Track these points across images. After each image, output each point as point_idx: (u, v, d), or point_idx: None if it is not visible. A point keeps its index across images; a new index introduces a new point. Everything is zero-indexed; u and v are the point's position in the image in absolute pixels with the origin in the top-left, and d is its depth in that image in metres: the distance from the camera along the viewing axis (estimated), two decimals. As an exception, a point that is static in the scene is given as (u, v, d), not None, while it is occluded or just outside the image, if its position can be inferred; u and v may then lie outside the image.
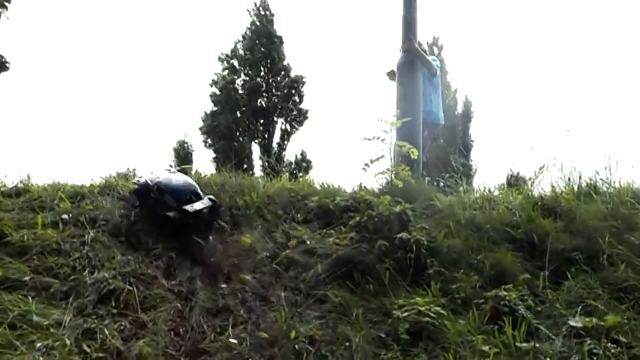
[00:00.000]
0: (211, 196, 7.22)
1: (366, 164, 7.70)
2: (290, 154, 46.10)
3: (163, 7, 74.48)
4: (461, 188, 8.31)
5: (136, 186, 7.36)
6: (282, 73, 47.96)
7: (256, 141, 46.67)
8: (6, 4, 2.65)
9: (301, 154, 45.24)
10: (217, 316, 5.98)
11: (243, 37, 48.75)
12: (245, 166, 41.54)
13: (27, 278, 5.90)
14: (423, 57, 9.50)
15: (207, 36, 78.71)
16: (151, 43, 73.48)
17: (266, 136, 46.67)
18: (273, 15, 49.10)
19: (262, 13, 49.16)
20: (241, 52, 48.72)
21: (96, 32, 74.98)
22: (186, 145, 44.78)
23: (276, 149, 46.20)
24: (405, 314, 5.81)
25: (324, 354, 5.51)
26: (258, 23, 49.07)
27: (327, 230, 7.13)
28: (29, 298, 5.64)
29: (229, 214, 7.40)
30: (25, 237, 6.39)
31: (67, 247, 6.42)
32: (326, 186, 8.29)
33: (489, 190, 8.26)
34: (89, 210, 7.06)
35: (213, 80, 47.50)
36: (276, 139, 46.66)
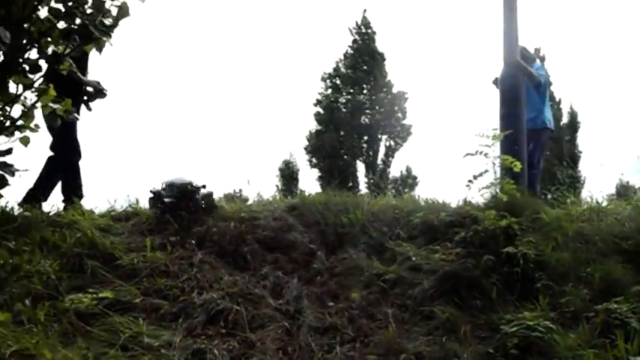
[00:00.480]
0: (203, 186, 7.84)
1: (469, 180, 7.61)
2: (395, 171, 45.87)
3: (266, 29, 75.14)
4: (568, 200, 8.16)
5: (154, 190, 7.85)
6: (385, 89, 47.78)
7: (361, 158, 46.56)
8: (110, 33, 2.73)
9: (406, 170, 45.01)
10: (325, 334, 6.01)
11: (345, 55, 48.85)
12: (350, 184, 41.58)
13: (137, 300, 6.09)
14: (525, 70, 9.37)
15: (310, 56, 78.94)
16: (255, 65, 74.03)
17: (370, 153, 46.53)
18: (374, 32, 49.08)
19: (364, 31, 49.19)
20: (344, 70, 48.80)
21: (202, 54, 76.01)
22: (291, 164, 45.00)
23: (380, 166, 46.04)
24: (514, 329, 5.73)
25: (432, 371, 5.47)
26: (360, 41, 49.10)
27: (432, 246, 7.10)
28: (140, 319, 5.81)
29: (334, 233, 7.42)
30: (135, 260, 6.58)
31: (176, 269, 6.60)
32: (430, 202, 8.26)
33: (597, 202, 8.08)
34: (196, 232, 7.19)
35: (317, 100, 47.69)
36: (381, 155, 46.49)
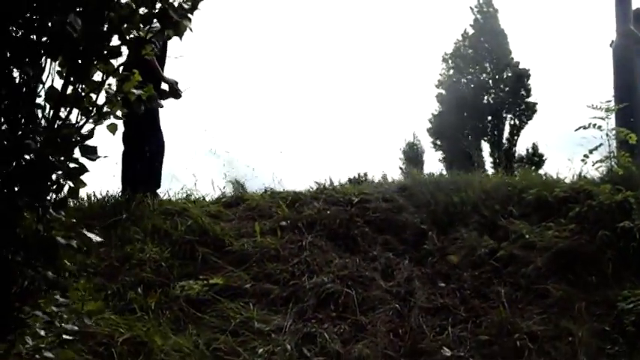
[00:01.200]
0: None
1: (585, 155, 7.40)
2: (521, 149, 45.06)
3: (386, 9, 74.79)
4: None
5: None
6: (508, 68, 47.04)
7: (485, 138, 46.00)
8: (189, 16, 2.71)
9: (532, 148, 44.11)
10: (436, 315, 5.97)
11: (463, 35, 48.29)
12: (476, 164, 41.13)
13: (248, 286, 6.18)
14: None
15: (429, 36, 78.37)
16: (376, 47, 73.99)
17: (495, 132, 45.90)
18: (497, 10, 48.34)
19: (485, 9, 48.51)
20: (464, 50, 48.26)
21: (323, 35, 76.23)
22: (415, 146, 44.75)
23: (506, 145, 45.37)
24: (631, 306, 5.57)
25: (546, 350, 5.37)
26: (481, 20, 48.44)
27: (545, 223, 6.91)
28: (250, 305, 5.91)
29: (445, 212, 7.34)
30: (245, 245, 6.67)
31: (286, 253, 6.67)
32: (544, 178, 8.07)
33: None
34: (306, 215, 7.22)
35: (438, 81, 47.31)
36: (506, 134, 45.79)
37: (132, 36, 3.12)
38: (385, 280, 6.43)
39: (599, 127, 7.51)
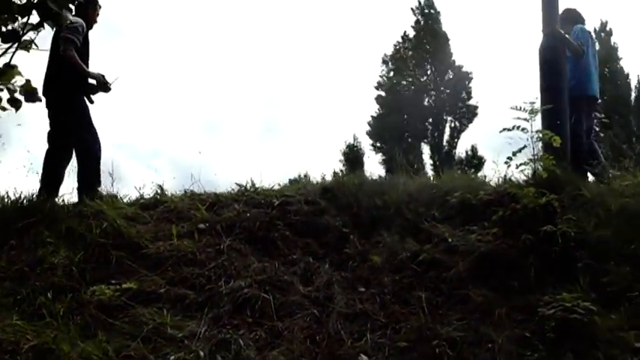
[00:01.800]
0: None
1: (508, 157, 7.34)
2: (461, 152, 45.44)
3: (325, 11, 75.07)
4: (611, 175, 7.83)
5: None
6: (449, 70, 47.41)
7: (425, 140, 46.33)
8: (69, 7, 2.56)
9: (472, 151, 44.50)
10: (355, 321, 5.81)
11: (403, 37, 48.55)
12: (415, 166, 41.29)
13: (162, 290, 6.01)
14: (566, 41, 8.98)
15: (367, 37, 78.79)
16: (313, 47, 74.17)
17: (435, 135, 46.26)
18: (438, 12, 48.70)
19: (427, 11, 48.82)
20: (404, 52, 48.51)
21: (258, 34, 76.20)
22: (355, 148, 44.80)
23: (446, 148, 45.72)
24: (552, 311, 5.44)
25: (465, 356, 5.24)
26: (422, 22, 48.76)
27: (469, 227, 6.83)
28: (164, 310, 5.73)
29: (368, 216, 7.22)
30: (161, 248, 6.52)
31: (203, 257, 6.53)
32: (470, 180, 8.01)
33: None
34: (226, 218, 7.08)
35: (378, 82, 47.51)
36: (446, 137, 46.15)
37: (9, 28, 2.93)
38: (304, 284, 6.29)
39: (523, 130, 7.42)
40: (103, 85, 8.30)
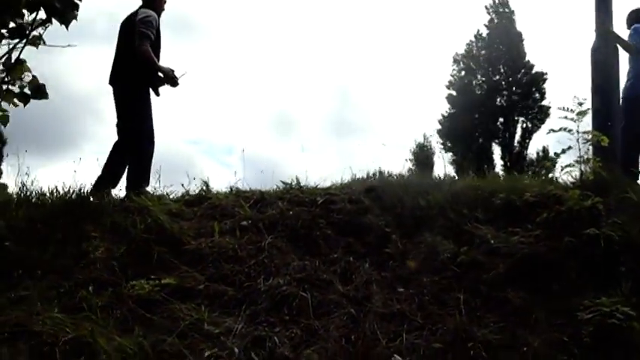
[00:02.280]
0: None
1: (550, 158, 7.24)
2: (532, 152, 44.76)
3: (399, 8, 74.87)
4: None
5: None
6: (523, 70, 46.75)
7: (496, 141, 45.76)
8: (76, 6, 2.59)
9: (543, 151, 43.80)
10: (392, 321, 5.77)
11: (476, 36, 48.02)
12: (486, 166, 40.87)
13: (201, 286, 6.04)
14: (619, 40, 8.78)
15: (440, 36, 78.26)
16: (386, 45, 74.01)
17: (507, 135, 45.66)
18: (512, 11, 48.05)
19: (501, 10, 48.23)
20: (477, 51, 48.02)
21: (333, 30, 76.38)
22: (425, 148, 44.40)
23: (517, 148, 45.11)
24: (590, 316, 5.34)
25: (500, 359, 5.15)
26: (496, 20, 48.19)
27: (512, 228, 6.74)
28: (202, 306, 5.76)
29: (411, 216, 7.19)
30: (203, 245, 6.56)
31: (244, 254, 6.54)
32: (515, 181, 7.90)
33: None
34: (269, 216, 7.09)
35: (449, 82, 47.09)
36: (517, 137, 45.52)
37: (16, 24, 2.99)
38: (343, 283, 6.27)
39: (569, 131, 7.30)
40: (171, 80, 8.42)
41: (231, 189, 8.20)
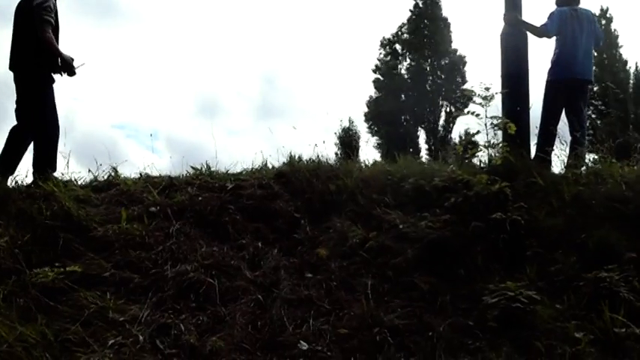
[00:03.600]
0: None
1: (459, 142, 7.28)
2: (455, 136, 45.31)
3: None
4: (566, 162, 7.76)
5: None
6: (446, 55, 47.28)
7: (422, 125, 46.22)
8: None
9: (465, 135, 44.35)
10: (299, 307, 5.74)
11: (407, 20, 48.42)
12: (411, 150, 41.19)
13: (107, 274, 5.92)
14: (528, 26, 8.84)
15: (367, 21, 78.58)
16: (312, 28, 74.18)
17: (431, 119, 46.15)
18: (438, -3, 48.57)
19: (427, -6, 48.71)
20: (405, 36, 48.38)
21: (255, 12, 76.31)
22: (351, 131, 44.54)
23: (441, 132, 45.62)
24: (495, 300, 5.38)
25: (406, 344, 5.17)
26: (421, 5, 48.62)
27: (421, 213, 6.75)
28: (107, 294, 5.64)
29: (321, 201, 7.17)
30: (110, 231, 6.42)
31: (151, 241, 6.44)
32: (426, 166, 7.93)
33: (595, 163, 7.65)
34: (177, 202, 7.02)
35: (375, 66, 47.37)
36: (442, 122, 46.04)
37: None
38: (251, 270, 6.22)
39: (477, 115, 7.34)
40: (70, 68, 8.25)
41: (141, 175, 8.06)
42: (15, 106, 8.10)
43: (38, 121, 7.98)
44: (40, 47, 7.87)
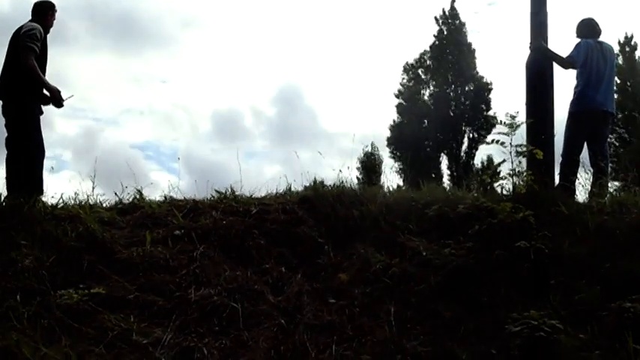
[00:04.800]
0: None
1: (485, 172, 7.28)
2: (478, 162, 45.16)
3: (347, 16, 75.16)
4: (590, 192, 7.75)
5: None
6: (471, 81, 47.22)
7: (444, 151, 46.14)
8: None
9: (487, 161, 44.28)
10: (322, 333, 5.74)
11: (431, 46, 48.46)
12: (433, 175, 41.16)
13: (131, 296, 5.95)
14: (554, 55, 8.87)
15: (390, 46, 78.67)
16: (334, 52, 74.34)
17: (454, 145, 46.05)
18: (463, 23, 48.59)
19: (450, 21, 48.73)
20: (428, 61, 48.41)
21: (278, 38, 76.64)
22: (373, 157, 44.50)
23: (464, 158, 45.50)
24: (518, 329, 5.33)
25: (428, 372, 5.15)
26: (446, 32, 48.67)
27: (445, 240, 6.76)
28: (131, 316, 5.67)
29: (344, 227, 7.18)
30: (134, 254, 6.46)
31: (175, 264, 6.48)
32: (449, 193, 7.93)
33: (619, 192, 7.64)
34: (202, 225, 7.05)
35: (398, 90, 47.40)
36: (464, 147, 45.94)
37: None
38: (274, 294, 6.25)
39: (502, 144, 7.35)
40: (57, 100, 8.33)
41: (165, 197, 8.14)
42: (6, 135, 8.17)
43: (25, 146, 8.03)
44: (24, 75, 7.95)
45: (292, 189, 8.53)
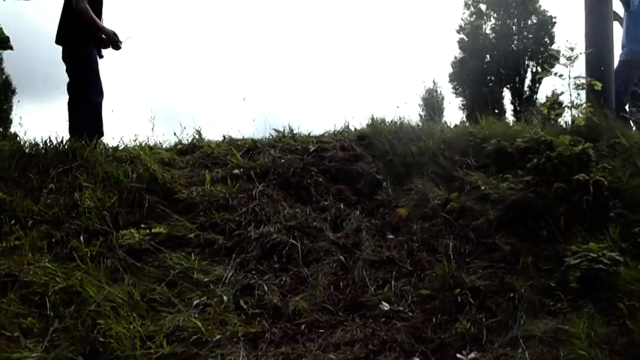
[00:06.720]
0: None
1: (543, 103, 7.19)
2: (542, 97, 44.49)
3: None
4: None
5: None
6: (533, 15, 46.29)
7: (507, 86, 45.50)
8: None
9: (552, 96, 43.56)
10: (381, 268, 5.81)
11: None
12: (496, 111, 40.70)
13: (192, 235, 6.05)
14: None
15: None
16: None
17: (517, 80, 45.36)
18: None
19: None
20: (489, -5, 47.58)
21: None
22: (435, 93, 44.10)
23: (527, 92, 44.83)
24: (577, 261, 5.32)
25: (487, 305, 5.18)
26: (507, -36, 47.72)
27: (503, 175, 6.71)
28: (192, 255, 5.77)
29: (402, 163, 7.18)
30: (194, 194, 6.55)
31: (235, 203, 6.55)
32: (508, 127, 7.85)
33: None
34: (260, 164, 7.09)
35: (460, 26, 46.73)
36: (527, 82, 45.23)
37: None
38: (333, 231, 6.31)
39: (560, 76, 7.25)
40: (114, 43, 8.35)
41: (224, 137, 8.19)
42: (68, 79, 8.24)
43: (84, 89, 8.09)
44: (78, 20, 7.98)
45: (351, 127, 8.51)
